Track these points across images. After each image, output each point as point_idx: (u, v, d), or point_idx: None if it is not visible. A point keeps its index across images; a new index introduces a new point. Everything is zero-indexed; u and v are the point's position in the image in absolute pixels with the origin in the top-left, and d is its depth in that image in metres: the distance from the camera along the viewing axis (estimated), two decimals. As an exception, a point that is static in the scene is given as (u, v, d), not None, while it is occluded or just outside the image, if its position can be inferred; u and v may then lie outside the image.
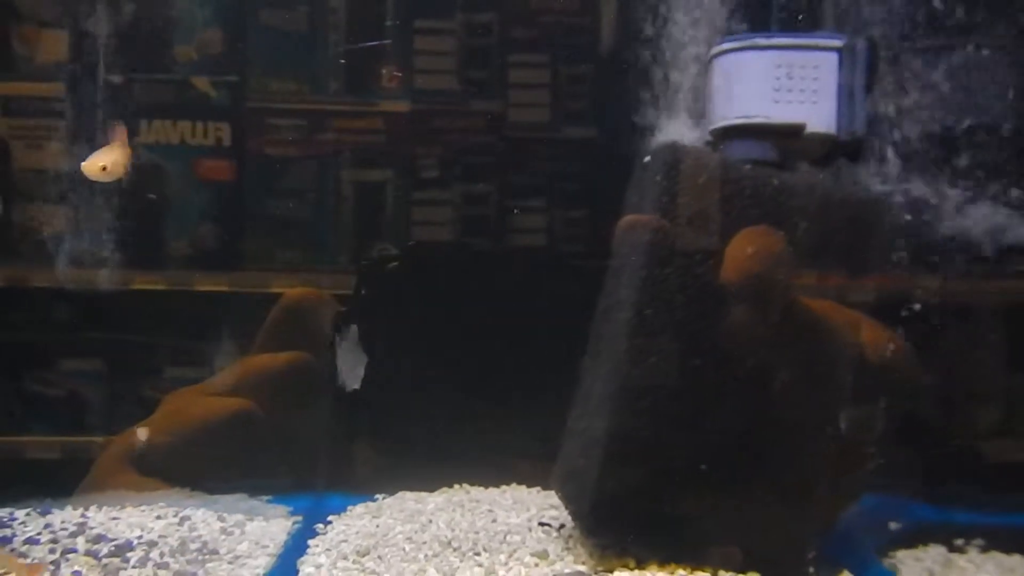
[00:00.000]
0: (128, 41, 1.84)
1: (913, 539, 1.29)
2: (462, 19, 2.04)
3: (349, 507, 1.44)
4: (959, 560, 1.25)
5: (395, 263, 1.70)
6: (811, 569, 1.12)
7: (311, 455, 1.59)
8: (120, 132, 1.30)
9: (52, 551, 1.19)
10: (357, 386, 1.43)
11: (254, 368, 1.51)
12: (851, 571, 1.14)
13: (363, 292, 1.65)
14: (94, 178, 1.24)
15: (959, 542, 1.29)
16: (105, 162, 1.23)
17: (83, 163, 1.25)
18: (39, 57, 1.98)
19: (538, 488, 1.53)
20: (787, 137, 1.21)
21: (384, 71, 2.03)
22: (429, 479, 1.54)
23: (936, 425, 1.67)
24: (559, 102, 2.05)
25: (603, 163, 1.98)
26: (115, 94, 1.83)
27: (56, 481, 1.46)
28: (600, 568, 1.14)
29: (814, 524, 1.13)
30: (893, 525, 1.32)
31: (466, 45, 2.04)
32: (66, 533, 1.26)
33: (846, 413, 1.12)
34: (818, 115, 1.19)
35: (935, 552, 1.27)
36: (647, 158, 1.20)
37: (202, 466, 1.44)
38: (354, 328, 1.44)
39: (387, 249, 1.75)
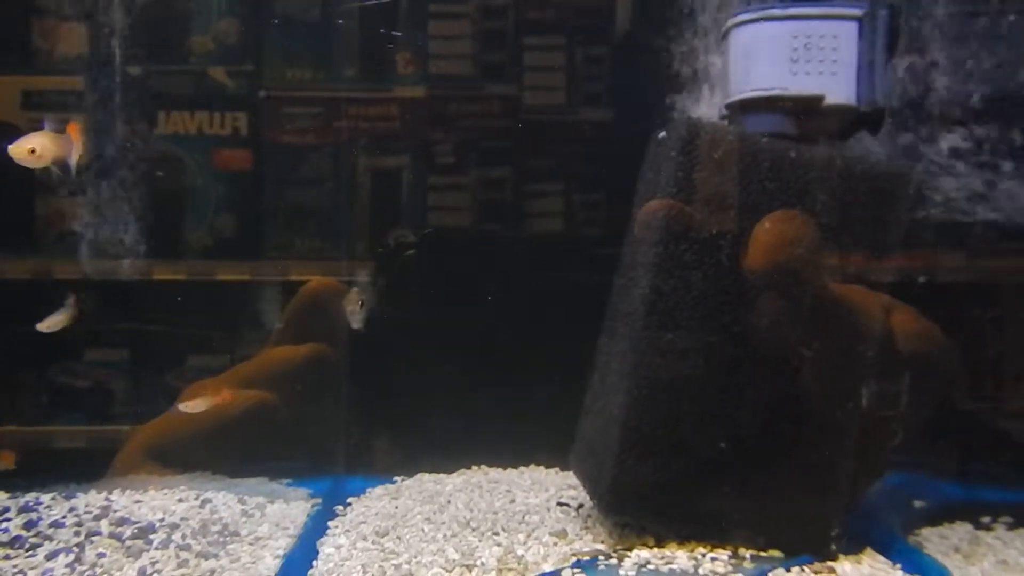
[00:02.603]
0: (146, 33, 1.85)
1: (939, 517, 1.27)
2: (476, 2, 2.03)
3: (368, 489, 1.45)
4: (986, 537, 1.23)
5: (412, 250, 1.70)
6: (834, 547, 1.10)
7: (329, 445, 1.60)
8: (71, 126, 1.30)
9: (77, 533, 1.21)
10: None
11: (274, 360, 1.52)
12: (875, 548, 1.12)
13: (380, 279, 1.66)
14: (21, 162, 1.24)
15: (986, 519, 1.27)
16: (33, 145, 1.23)
17: (10, 146, 1.24)
18: (58, 50, 1.99)
19: (556, 469, 1.53)
20: (805, 109, 1.18)
21: (398, 56, 2.02)
22: (446, 461, 1.55)
23: (964, 404, 1.64)
24: (575, 84, 2.03)
25: (621, 145, 1.96)
26: (134, 85, 1.85)
27: (82, 470, 1.48)
28: (619, 547, 1.13)
29: (837, 502, 1.11)
30: (918, 503, 1.30)
31: (481, 29, 2.03)
32: (90, 516, 1.28)
33: (872, 393, 1.10)
34: (838, 86, 1.17)
35: (961, 529, 1.25)
36: (662, 134, 1.18)
37: (221, 459, 1.45)
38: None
39: (404, 236, 1.75)
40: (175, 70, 2.01)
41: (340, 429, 1.59)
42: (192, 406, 1.37)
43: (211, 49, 2.03)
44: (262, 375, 1.50)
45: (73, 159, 1.32)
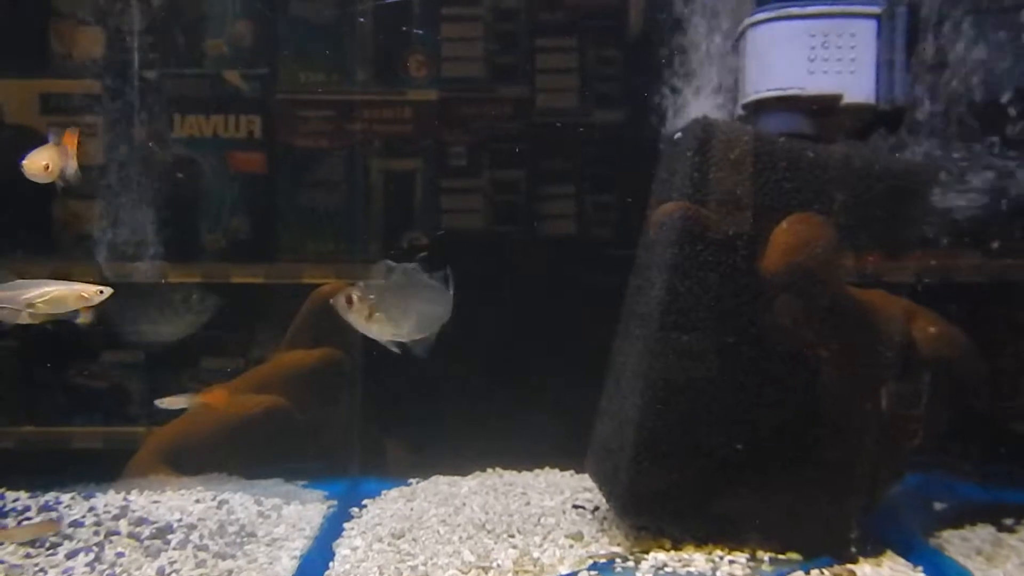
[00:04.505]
0: (162, 37, 1.86)
1: (960, 519, 1.25)
2: (488, 4, 2.03)
3: (383, 491, 1.45)
4: (1009, 539, 1.21)
5: (425, 252, 1.70)
6: (854, 549, 1.09)
7: (343, 447, 1.60)
8: (68, 135, 1.30)
9: (96, 533, 1.22)
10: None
11: (286, 365, 1.52)
12: (896, 551, 1.12)
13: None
14: (35, 178, 1.24)
15: (1008, 522, 1.26)
16: (46, 160, 1.24)
17: (24, 161, 1.24)
18: (76, 54, 2.01)
19: (572, 471, 1.53)
20: (823, 108, 1.17)
21: (411, 59, 2.02)
22: (461, 464, 1.55)
23: (985, 407, 1.62)
24: (588, 86, 2.02)
25: (634, 147, 1.96)
26: (151, 89, 1.86)
27: (98, 470, 1.49)
28: (636, 549, 1.13)
29: (856, 504, 1.10)
30: (939, 505, 1.29)
31: (493, 31, 2.03)
32: (109, 516, 1.29)
33: (892, 394, 1.10)
34: (856, 85, 1.16)
35: (984, 532, 1.24)
36: (677, 134, 1.18)
37: (235, 462, 1.46)
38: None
39: (417, 238, 1.75)
40: (190, 73, 2.02)
41: (354, 432, 1.59)
42: (169, 403, 1.35)
43: (225, 52, 2.04)
44: (275, 379, 1.50)
45: (70, 169, 1.32)
